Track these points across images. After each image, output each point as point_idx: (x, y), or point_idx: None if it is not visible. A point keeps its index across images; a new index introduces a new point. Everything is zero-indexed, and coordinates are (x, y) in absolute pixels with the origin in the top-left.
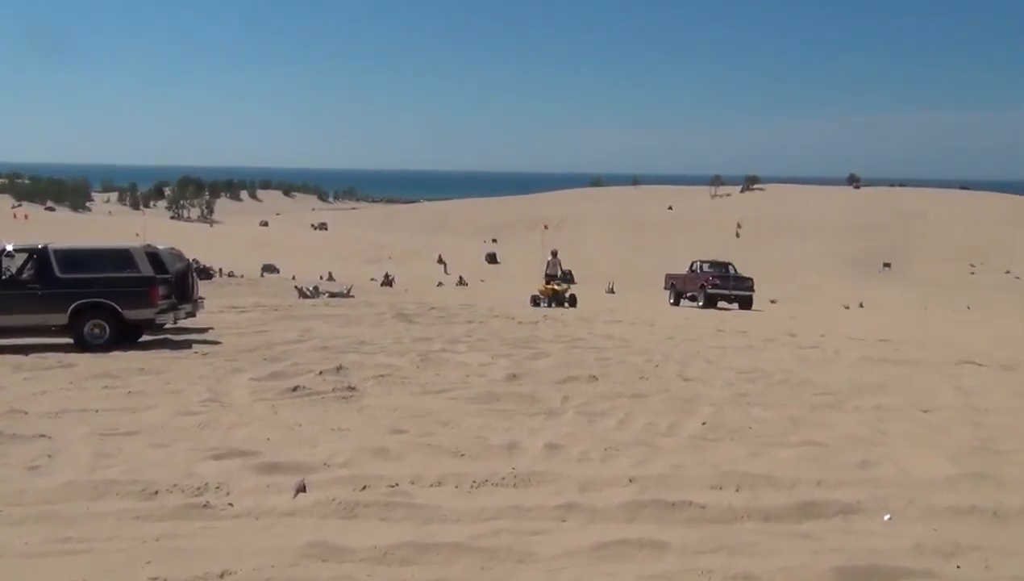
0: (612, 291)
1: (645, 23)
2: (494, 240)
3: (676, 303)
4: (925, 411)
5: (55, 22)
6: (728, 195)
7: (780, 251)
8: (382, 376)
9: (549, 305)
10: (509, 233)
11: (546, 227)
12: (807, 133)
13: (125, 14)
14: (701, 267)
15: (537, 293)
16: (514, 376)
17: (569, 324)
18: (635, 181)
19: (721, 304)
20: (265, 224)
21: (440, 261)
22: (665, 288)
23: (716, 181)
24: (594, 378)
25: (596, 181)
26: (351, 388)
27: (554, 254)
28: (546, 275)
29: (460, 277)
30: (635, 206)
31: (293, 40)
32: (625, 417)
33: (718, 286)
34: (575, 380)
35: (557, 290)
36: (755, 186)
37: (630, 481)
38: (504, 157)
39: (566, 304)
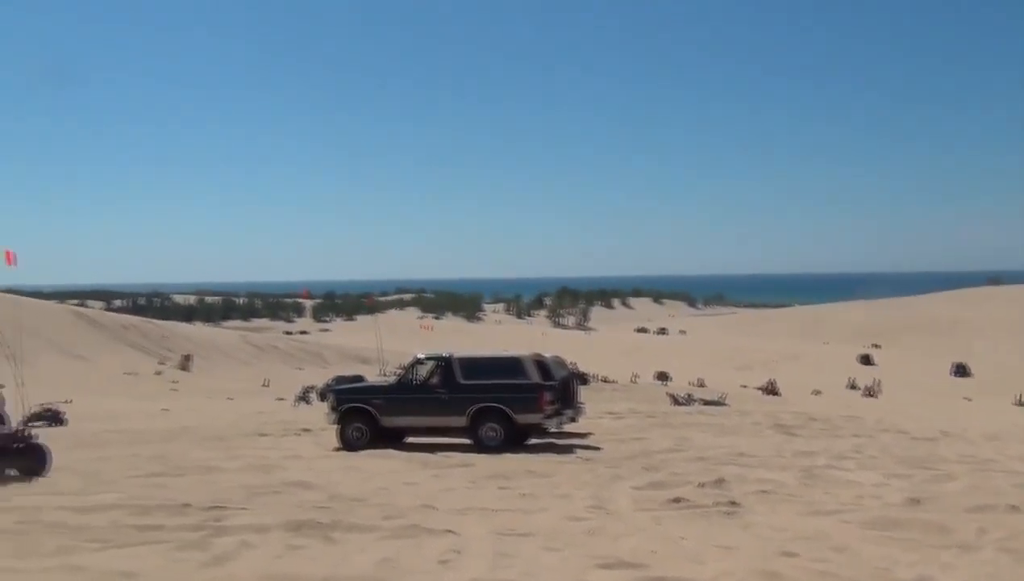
0: (1023, 404)
1: None
2: (876, 345)
3: None
4: None
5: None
6: None
7: None
8: (764, 492)
9: None
10: (890, 338)
11: None
12: None
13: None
14: None
15: None
16: (915, 500)
17: (974, 442)
18: None
19: None
20: (643, 330)
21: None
22: None
23: None
24: (1015, 508)
25: (995, 279)
26: (733, 503)
27: None
28: None
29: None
30: None
31: (658, 155)
32: None
33: None
34: (991, 509)
35: None
36: None
37: None
38: (885, 257)
39: None
